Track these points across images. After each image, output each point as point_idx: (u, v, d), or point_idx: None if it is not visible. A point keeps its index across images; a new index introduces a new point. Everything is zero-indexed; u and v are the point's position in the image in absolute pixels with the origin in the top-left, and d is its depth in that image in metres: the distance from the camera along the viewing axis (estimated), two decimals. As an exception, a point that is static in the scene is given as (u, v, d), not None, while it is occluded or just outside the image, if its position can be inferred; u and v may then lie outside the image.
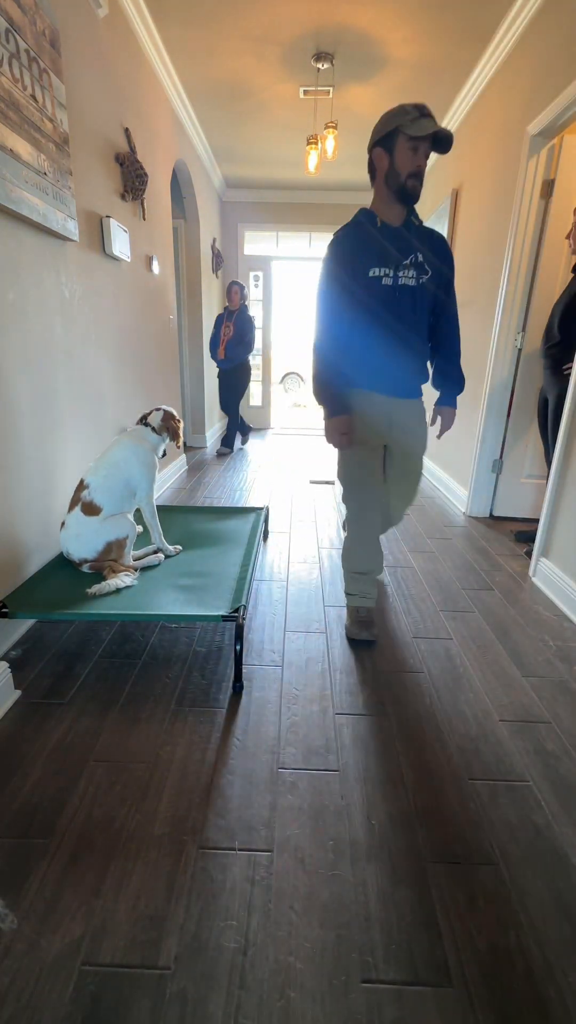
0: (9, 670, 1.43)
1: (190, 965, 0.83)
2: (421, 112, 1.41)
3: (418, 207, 4.84)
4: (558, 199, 2.49)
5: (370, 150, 1.51)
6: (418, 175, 1.47)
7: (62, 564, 1.81)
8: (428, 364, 1.73)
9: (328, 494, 3.51)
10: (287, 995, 0.80)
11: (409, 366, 1.64)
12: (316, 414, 6.55)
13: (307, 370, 5.44)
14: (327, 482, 3.81)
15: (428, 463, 4.08)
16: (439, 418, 1.83)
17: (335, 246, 1.56)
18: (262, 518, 2.39)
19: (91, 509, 1.73)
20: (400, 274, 1.53)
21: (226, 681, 1.54)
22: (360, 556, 1.78)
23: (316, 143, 3.46)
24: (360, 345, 1.60)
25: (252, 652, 1.69)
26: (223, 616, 1.49)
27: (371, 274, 1.52)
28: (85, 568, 1.75)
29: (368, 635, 1.75)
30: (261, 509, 2.48)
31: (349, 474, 1.72)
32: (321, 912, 0.91)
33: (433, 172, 4.25)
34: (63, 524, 1.76)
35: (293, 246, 5.98)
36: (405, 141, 1.42)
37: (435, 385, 1.79)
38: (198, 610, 1.55)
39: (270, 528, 2.80)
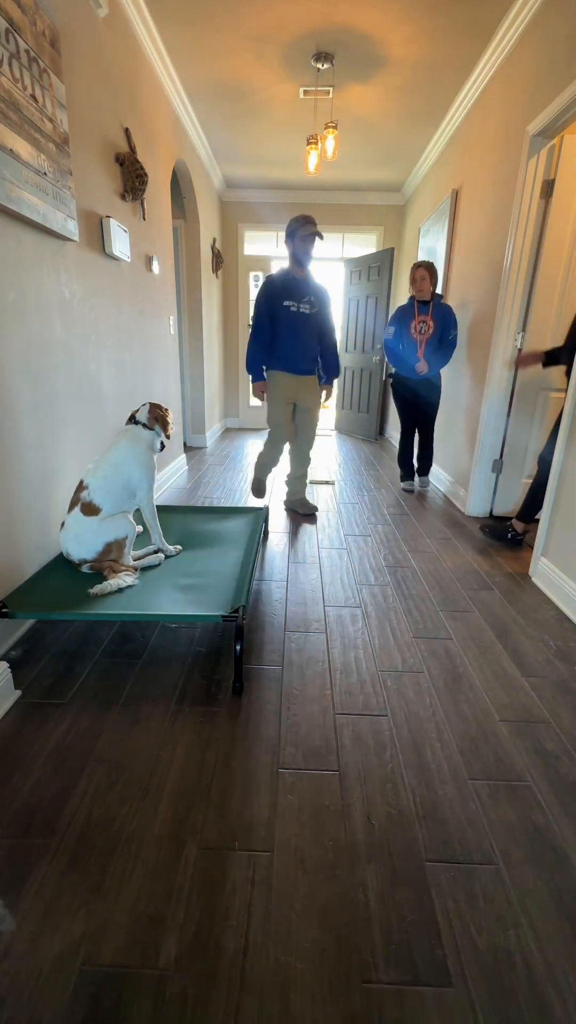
0: (9, 670, 1.43)
1: (190, 965, 0.83)
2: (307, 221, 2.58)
3: (417, 208, 4.85)
4: (558, 199, 2.49)
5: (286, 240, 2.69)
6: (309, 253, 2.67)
7: (62, 564, 1.80)
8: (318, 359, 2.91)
9: (328, 494, 3.51)
10: (287, 995, 0.80)
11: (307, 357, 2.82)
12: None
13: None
14: (327, 482, 3.81)
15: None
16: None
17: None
18: (262, 518, 2.39)
19: (90, 509, 1.73)
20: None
21: (226, 681, 1.54)
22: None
23: (316, 143, 3.46)
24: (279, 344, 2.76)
25: (252, 652, 1.69)
26: (223, 616, 1.49)
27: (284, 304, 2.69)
28: (85, 568, 1.75)
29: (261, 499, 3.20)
30: (261, 509, 2.48)
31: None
32: (321, 912, 0.91)
33: (433, 172, 4.26)
34: (63, 524, 1.76)
35: (293, 246, 5.97)
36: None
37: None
38: (198, 610, 1.55)
39: (270, 528, 2.80)
